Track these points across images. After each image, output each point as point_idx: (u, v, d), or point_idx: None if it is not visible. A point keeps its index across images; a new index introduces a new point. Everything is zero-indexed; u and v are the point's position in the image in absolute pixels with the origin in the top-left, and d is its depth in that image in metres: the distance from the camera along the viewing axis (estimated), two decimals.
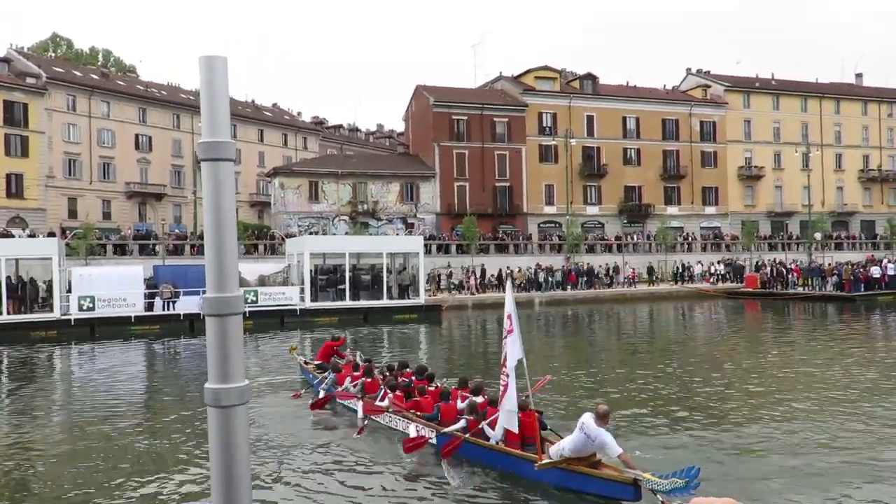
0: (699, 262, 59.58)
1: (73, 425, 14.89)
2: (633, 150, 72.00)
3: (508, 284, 11.57)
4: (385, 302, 39.13)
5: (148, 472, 10.95)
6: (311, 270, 38.89)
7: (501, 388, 10.16)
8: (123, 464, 11.46)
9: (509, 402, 10.10)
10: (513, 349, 10.08)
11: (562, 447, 9.59)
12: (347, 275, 39.19)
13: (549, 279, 51.42)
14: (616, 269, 55.87)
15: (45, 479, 11.15)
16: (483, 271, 51.50)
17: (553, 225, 68.49)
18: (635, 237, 66.10)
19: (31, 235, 47.70)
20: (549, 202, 69.06)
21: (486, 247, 58.09)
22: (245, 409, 1.70)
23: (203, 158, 1.69)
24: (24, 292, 34.15)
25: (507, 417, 10.21)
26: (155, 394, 19.37)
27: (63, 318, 33.04)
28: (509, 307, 10.40)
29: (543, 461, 9.69)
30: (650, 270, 57.91)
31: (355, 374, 15.18)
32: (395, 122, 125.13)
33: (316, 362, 17.88)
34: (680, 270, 57.42)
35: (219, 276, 1.71)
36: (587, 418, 9.38)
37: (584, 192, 70.23)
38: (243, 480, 1.68)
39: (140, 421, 15.03)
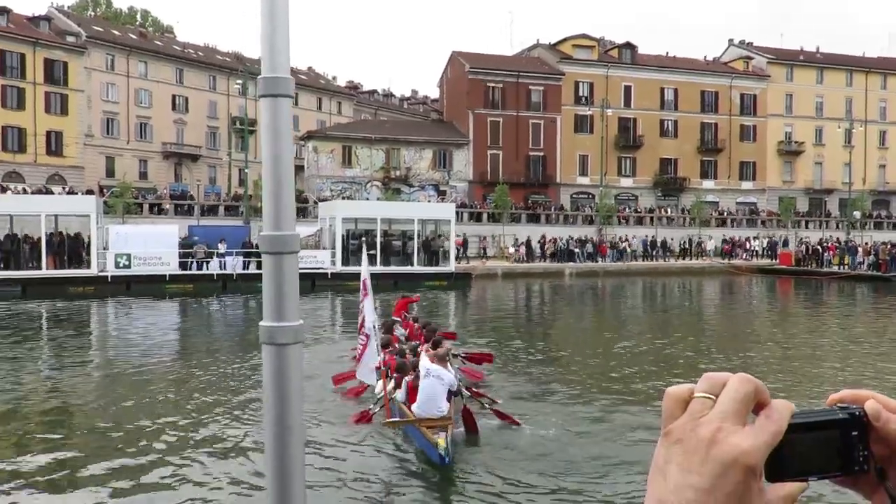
0: (710, 236, 58.63)
1: (113, 374, 15.27)
2: (670, 122, 70.95)
3: (364, 257, 12.64)
4: (415, 268, 39.28)
5: (188, 417, 11.19)
6: (342, 235, 39.11)
7: (360, 347, 10.57)
8: (162, 411, 11.72)
9: (370, 359, 10.66)
10: (369, 311, 11.05)
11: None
12: (378, 240, 39.33)
13: (581, 251, 51.19)
14: (653, 244, 55.36)
15: (86, 427, 11.46)
16: (528, 241, 51.27)
17: (586, 196, 67.97)
18: (669, 210, 65.40)
19: (70, 193, 48.49)
20: (583, 173, 68.47)
21: (517, 216, 57.88)
22: (299, 348, 1.72)
23: (263, 94, 1.68)
24: (63, 248, 34.85)
25: (366, 374, 10.68)
26: (190, 347, 19.76)
27: (100, 274, 33.68)
28: (365, 273, 11.56)
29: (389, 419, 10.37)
30: (682, 245, 57.25)
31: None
32: (430, 89, 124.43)
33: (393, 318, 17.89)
34: (687, 246, 56.50)
35: (276, 215, 1.72)
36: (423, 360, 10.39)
37: (619, 163, 69.48)
38: (296, 418, 1.70)
39: (178, 371, 15.35)
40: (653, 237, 56.64)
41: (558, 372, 15.85)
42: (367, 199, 59.64)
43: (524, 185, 65.56)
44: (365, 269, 11.72)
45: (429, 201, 60.42)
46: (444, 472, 9.23)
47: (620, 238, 54.80)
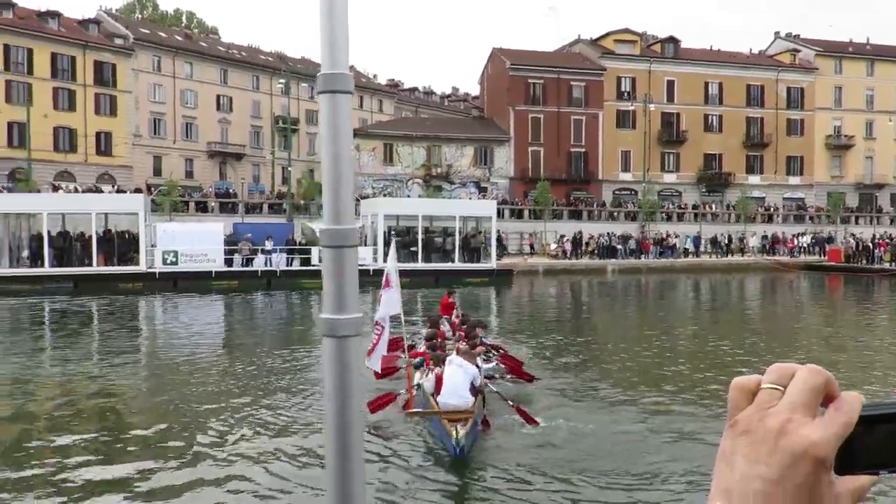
0: (753, 233, 57.50)
1: (160, 368, 15.61)
2: (714, 117, 69.84)
3: (392, 247, 12.41)
4: (456, 265, 39.36)
5: (238, 411, 11.36)
6: (384, 231, 39.33)
7: (375, 337, 10.66)
8: (209, 406, 11.92)
9: (382, 350, 10.80)
10: (388, 302, 11.11)
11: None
12: (420, 237, 39.49)
13: (624, 247, 50.77)
14: (699, 240, 54.59)
15: (134, 421, 11.70)
16: (578, 236, 50.89)
17: (628, 192, 67.33)
18: (714, 206, 64.42)
19: (119, 191, 49.60)
20: (625, 169, 67.83)
21: (559, 213, 57.61)
22: (358, 340, 1.73)
23: (322, 91, 1.69)
24: (113, 245, 35.65)
25: (374, 362, 10.83)
26: (236, 342, 20.10)
27: (148, 271, 34.40)
28: (390, 265, 11.63)
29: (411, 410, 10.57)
30: (728, 241, 56.33)
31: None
32: (471, 86, 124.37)
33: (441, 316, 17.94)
34: (727, 242, 55.41)
35: (335, 209, 1.74)
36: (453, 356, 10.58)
37: (662, 159, 68.66)
38: (355, 409, 1.72)
39: (224, 366, 15.59)
40: (698, 233, 55.83)
41: (600, 370, 15.70)
42: (409, 196, 59.84)
43: (566, 182, 65.14)
44: (392, 263, 11.77)
45: (470, 198, 60.40)
46: (457, 467, 9.16)
47: (668, 234, 54.13)
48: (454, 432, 9.26)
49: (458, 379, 10.28)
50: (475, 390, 10.52)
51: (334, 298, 1.73)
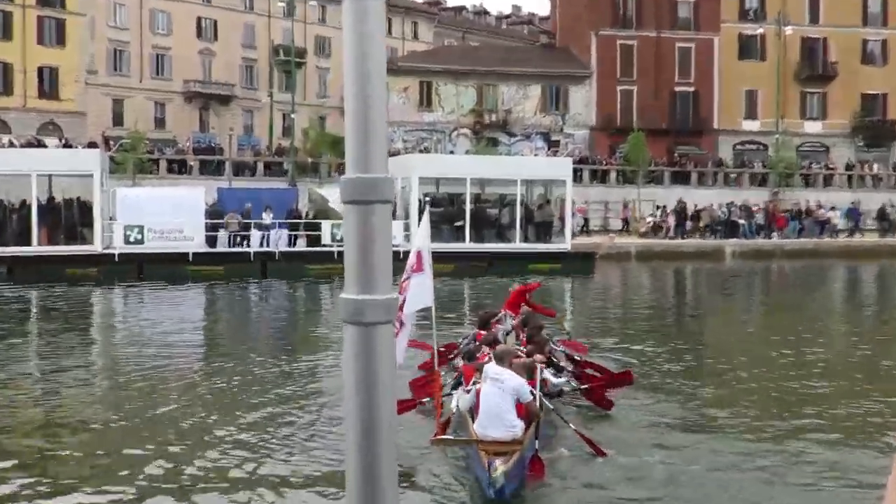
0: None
1: (118, 381, 15.67)
2: (875, 43, 68.54)
3: (426, 215, 12.93)
4: (517, 246, 39.20)
5: (215, 438, 11.49)
6: (419, 201, 39.36)
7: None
8: (180, 430, 12.06)
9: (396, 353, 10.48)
10: (418, 291, 11.25)
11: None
12: (468, 208, 39.43)
13: (748, 223, 50.19)
14: (857, 213, 53.38)
15: (80, 447, 11.81)
16: (682, 208, 50.43)
17: (755, 147, 66.40)
18: (875, 167, 63.22)
19: (67, 146, 50.30)
20: (751, 115, 67.04)
21: (658, 175, 57.08)
22: (391, 329, 1.73)
23: None
24: (59, 218, 36.25)
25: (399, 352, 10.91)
26: (218, 347, 20.13)
27: (105, 252, 34.85)
28: (420, 241, 11.70)
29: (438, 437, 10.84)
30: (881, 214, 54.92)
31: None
32: (538, 4, 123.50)
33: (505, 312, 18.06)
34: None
35: (363, 151, 1.76)
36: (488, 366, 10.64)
37: (802, 101, 67.82)
38: (386, 417, 1.73)
39: (202, 378, 15.70)
40: (854, 203, 54.60)
41: (711, 390, 15.48)
42: (453, 152, 59.81)
43: (668, 133, 64.58)
44: (422, 237, 11.83)
45: (536, 155, 60.13)
46: None
47: (810, 204, 53.08)
48: (497, 467, 9.31)
49: (494, 399, 10.21)
50: (530, 412, 10.46)
51: (359, 272, 1.73)
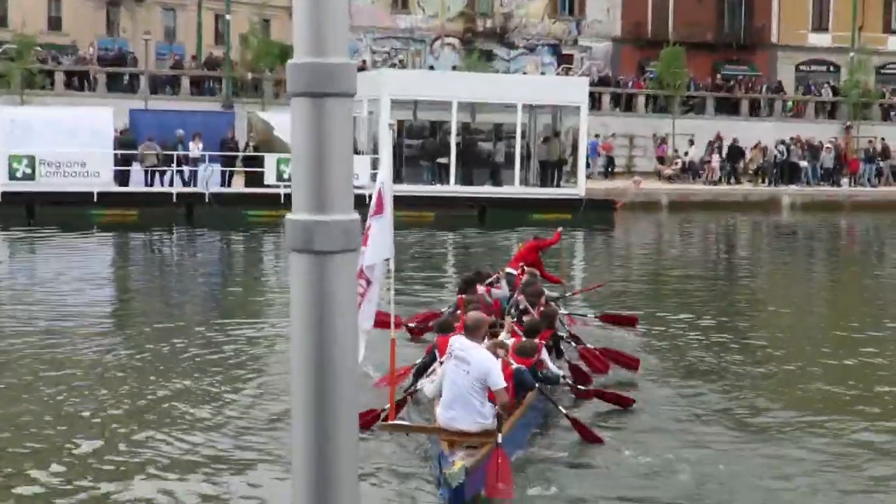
0: None
1: (6, 355, 15.82)
2: None
3: (387, 143, 13.40)
4: (517, 190, 39.14)
5: (120, 426, 11.56)
6: (392, 129, 39.17)
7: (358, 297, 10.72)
8: (77, 418, 12.11)
9: (365, 317, 10.61)
10: (379, 239, 10.95)
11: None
12: (454, 140, 39.32)
13: (812, 165, 50.16)
14: None
15: None
16: (735, 146, 50.30)
17: (824, 69, 66.41)
18: None
19: None
20: (819, 27, 67.13)
21: (698, 102, 57.02)
22: (353, 259, 1.73)
23: None
24: None
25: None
26: (127, 315, 20.16)
27: None
28: (382, 175, 11.48)
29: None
30: None
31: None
32: None
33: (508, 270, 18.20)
34: None
35: (315, 29, 1.84)
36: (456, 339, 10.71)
37: (887, 9, 67.94)
38: (343, 380, 1.73)
39: (104, 355, 15.75)
40: None
41: (756, 376, 15.72)
42: (435, 68, 59.46)
43: (713, 49, 64.59)
44: (384, 171, 11.76)
45: (542, 73, 59.88)
46: None
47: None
48: (454, 464, 9.35)
49: (460, 381, 10.26)
50: (499, 402, 10.48)
51: (310, 187, 1.75)
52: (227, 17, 52.62)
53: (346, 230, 1.73)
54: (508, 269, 17.62)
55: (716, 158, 49.99)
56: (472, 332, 10.64)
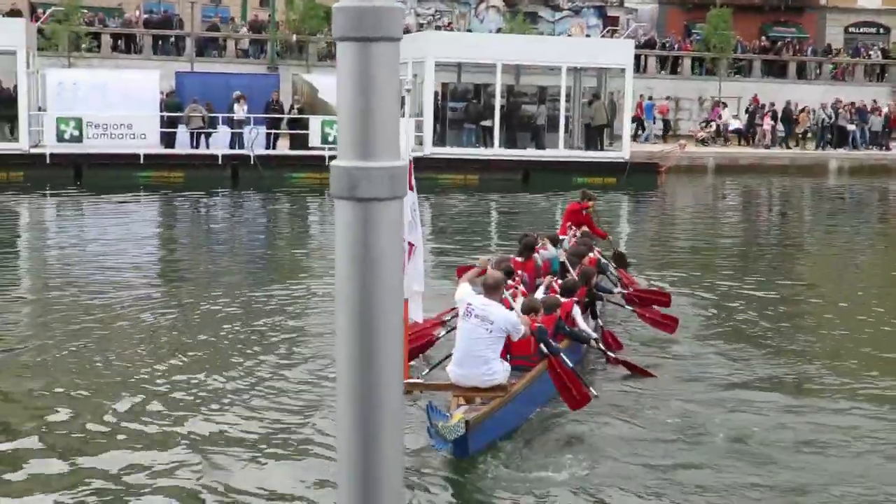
0: None
1: (49, 312, 16.01)
2: None
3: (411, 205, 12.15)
4: (561, 153, 39.07)
5: (172, 385, 11.67)
6: (435, 93, 39.14)
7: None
8: (134, 365, 12.23)
9: (413, 280, 11.13)
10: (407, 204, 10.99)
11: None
12: (498, 103, 39.23)
13: (861, 129, 49.67)
14: None
15: (19, 394, 12.10)
16: (788, 109, 49.77)
17: (874, 30, 65.75)
18: None
19: None
20: None
21: (745, 65, 56.69)
22: (399, 207, 1.71)
23: None
24: None
25: (413, 308, 11.36)
26: (172, 274, 20.51)
27: (33, 151, 34.97)
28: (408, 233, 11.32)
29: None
30: None
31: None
32: None
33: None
34: None
35: None
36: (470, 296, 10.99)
37: None
38: (388, 335, 1.70)
39: (154, 312, 15.92)
40: None
41: (802, 339, 15.76)
42: (479, 30, 59.30)
43: (760, 10, 64.21)
44: (405, 134, 11.87)
45: (587, 36, 59.54)
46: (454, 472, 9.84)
47: None
48: (454, 415, 9.63)
49: (476, 337, 10.55)
50: (541, 348, 11.03)
51: (356, 132, 1.72)
52: None
53: (393, 176, 1.70)
54: (561, 237, 17.78)
55: (768, 122, 49.54)
56: (491, 290, 10.89)
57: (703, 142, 48.38)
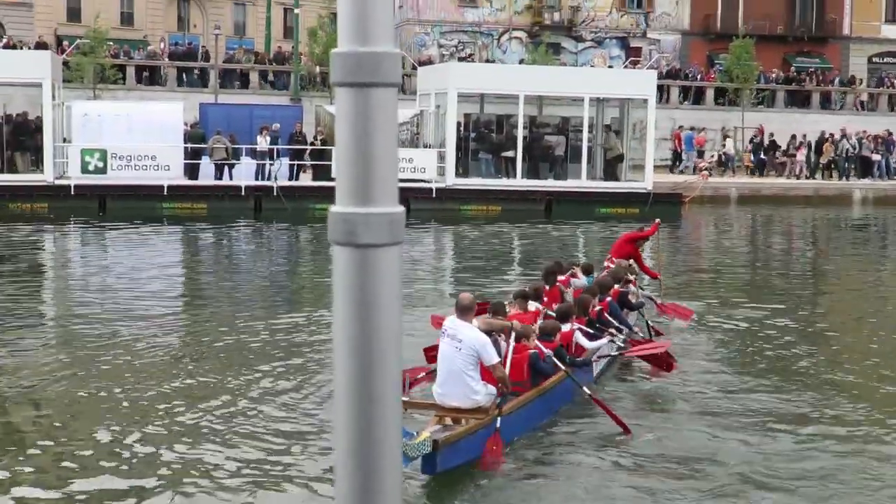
0: None
1: (72, 345, 15.99)
2: None
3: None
4: (584, 184, 39.07)
5: (190, 414, 11.69)
6: (458, 123, 39.19)
7: None
8: (148, 404, 12.26)
9: None
10: None
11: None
12: (521, 134, 39.26)
13: (886, 159, 49.51)
14: None
15: (42, 424, 12.13)
16: (823, 140, 49.74)
17: None
18: None
19: (10, 46, 50.47)
20: (893, 18, 66.59)
21: (768, 95, 56.64)
22: (397, 253, 1.70)
23: None
24: (2, 138, 36.45)
25: None
26: (196, 303, 20.57)
27: (58, 183, 35.19)
28: None
29: None
30: None
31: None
32: None
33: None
34: None
35: (360, 17, 1.76)
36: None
37: None
38: (389, 374, 1.70)
39: (176, 343, 15.99)
40: None
41: (816, 372, 15.64)
42: (503, 61, 59.44)
43: (783, 41, 64.22)
44: None
45: (610, 66, 59.61)
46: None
47: None
48: (423, 433, 9.81)
49: (452, 358, 10.75)
50: (496, 378, 10.97)
51: (354, 178, 1.72)
52: (297, 11, 52.84)
53: (391, 222, 1.70)
54: (606, 264, 18.02)
55: (801, 153, 49.46)
56: (464, 312, 11.07)
57: (708, 170, 48.17)
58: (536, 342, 11.90)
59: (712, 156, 50.30)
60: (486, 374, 10.89)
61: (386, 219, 1.70)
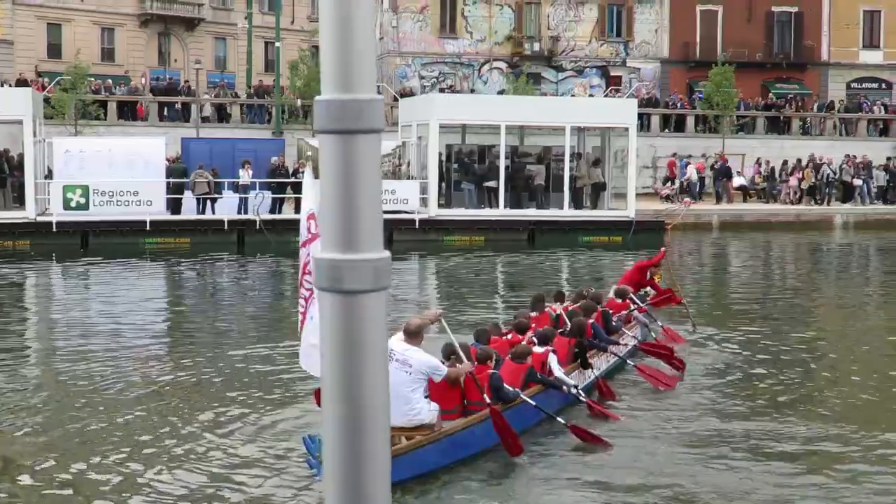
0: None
1: (54, 382, 16.00)
2: None
3: (308, 171, 12.79)
4: (566, 213, 39.12)
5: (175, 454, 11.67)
6: (440, 154, 39.26)
7: (300, 313, 11.17)
8: (131, 443, 12.22)
9: (310, 334, 10.92)
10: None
11: None
12: (503, 164, 39.35)
13: (867, 183, 49.71)
14: None
15: (27, 465, 12.07)
16: (819, 165, 49.92)
17: (876, 86, 65.93)
18: None
19: None
20: (871, 44, 66.78)
21: (748, 122, 56.88)
22: (383, 299, 1.70)
23: None
24: None
25: (306, 358, 11.22)
26: (178, 339, 20.46)
27: (40, 219, 35.07)
28: (309, 204, 11.31)
29: None
30: None
31: None
32: None
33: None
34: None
35: (342, 65, 1.71)
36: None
37: None
38: (379, 417, 1.70)
39: (158, 380, 15.94)
40: None
41: (797, 399, 15.75)
42: (484, 92, 59.59)
43: (762, 68, 64.53)
44: (309, 192, 11.53)
45: (591, 95, 59.82)
46: None
47: None
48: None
49: (397, 379, 10.87)
50: (498, 391, 11.71)
51: (339, 225, 1.71)
52: (278, 45, 52.98)
53: (376, 269, 1.70)
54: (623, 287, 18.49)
55: (795, 178, 49.61)
56: (412, 336, 11.54)
57: (667, 199, 48.21)
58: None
59: (673, 183, 50.31)
60: (435, 391, 11.51)
61: (371, 265, 1.70)
